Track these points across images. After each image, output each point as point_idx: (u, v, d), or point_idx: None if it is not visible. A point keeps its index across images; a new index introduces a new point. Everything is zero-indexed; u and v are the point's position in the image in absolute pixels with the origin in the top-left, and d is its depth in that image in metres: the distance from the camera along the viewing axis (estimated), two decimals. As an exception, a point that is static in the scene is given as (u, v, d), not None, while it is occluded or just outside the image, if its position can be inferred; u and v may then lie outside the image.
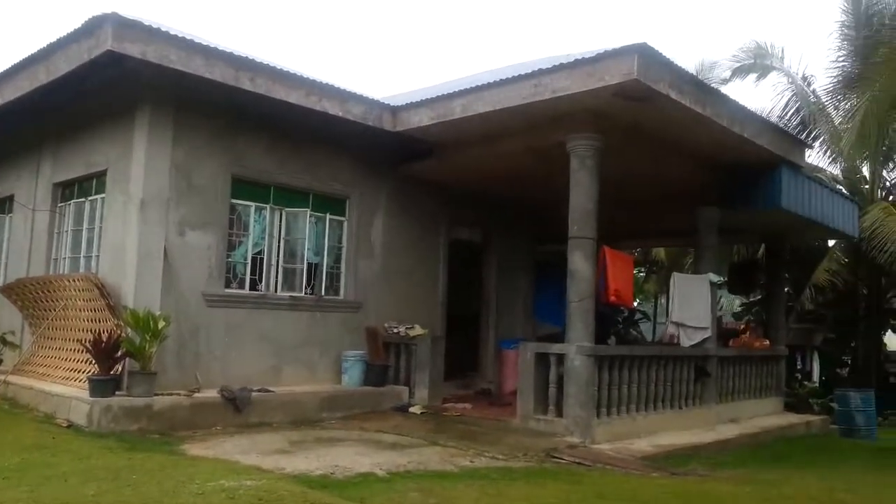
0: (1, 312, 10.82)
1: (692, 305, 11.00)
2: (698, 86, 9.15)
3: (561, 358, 8.81)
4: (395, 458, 7.07)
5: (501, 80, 8.91)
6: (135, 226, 8.56)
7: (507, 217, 13.37)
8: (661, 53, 8.11)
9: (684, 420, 10.23)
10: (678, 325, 11.00)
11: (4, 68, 9.85)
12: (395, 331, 10.86)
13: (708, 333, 10.99)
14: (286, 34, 59.42)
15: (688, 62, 19.27)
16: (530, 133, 9.46)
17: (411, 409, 9.97)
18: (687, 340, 10.91)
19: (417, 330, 10.82)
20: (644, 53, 7.87)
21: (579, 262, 8.90)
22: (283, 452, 7.08)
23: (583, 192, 9.00)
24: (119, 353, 7.99)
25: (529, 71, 8.63)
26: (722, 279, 13.34)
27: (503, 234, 13.43)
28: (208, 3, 59.21)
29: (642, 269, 25.04)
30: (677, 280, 11.49)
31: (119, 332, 8.12)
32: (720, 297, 18.60)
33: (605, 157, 9.05)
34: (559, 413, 8.76)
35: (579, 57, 8.24)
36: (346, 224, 10.74)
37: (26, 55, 9.20)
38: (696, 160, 10.62)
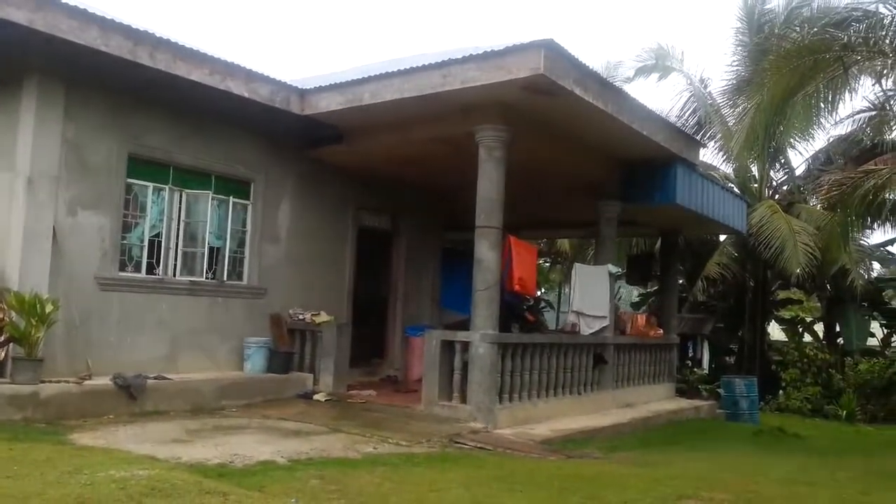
0: None
1: (592, 295, 11.41)
2: (602, 83, 9.45)
3: (466, 345, 8.94)
4: (296, 445, 7.01)
5: (412, 67, 8.91)
6: (21, 204, 8.06)
7: (415, 204, 13.41)
8: (566, 50, 8.32)
9: (583, 405, 10.62)
10: (579, 313, 11.39)
11: None
12: (301, 317, 10.72)
13: (606, 322, 11.42)
14: (198, 18, 57.08)
15: (594, 60, 19.88)
16: (440, 122, 9.51)
17: (315, 397, 9.89)
18: (587, 329, 11.31)
19: (323, 317, 10.72)
20: (550, 49, 8.05)
21: (485, 251, 9.05)
22: (179, 441, 6.88)
23: (490, 182, 9.14)
24: (2, 338, 7.54)
25: (439, 60, 8.67)
26: (620, 270, 13.89)
27: (411, 222, 13.46)
28: (107, -29, 56.13)
29: (547, 259, 25.70)
30: (578, 270, 11.89)
31: (2, 315, 7.64)
32: (619, 288, 19.37)
33: (512, 148, 9.21)
34: (463, 399, 8.90)
35: (489, 49, 8.34)
36: (250, 208, 10.48)
37: None
38: (599, 155, 10.99)
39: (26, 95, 8.18)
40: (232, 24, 57.52)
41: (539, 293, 22.06)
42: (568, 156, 10.66)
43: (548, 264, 26.43)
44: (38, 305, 7.55)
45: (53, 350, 8.08)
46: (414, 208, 13.42)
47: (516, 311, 11.03)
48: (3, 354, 7.67)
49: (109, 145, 8.77)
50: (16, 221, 8.09)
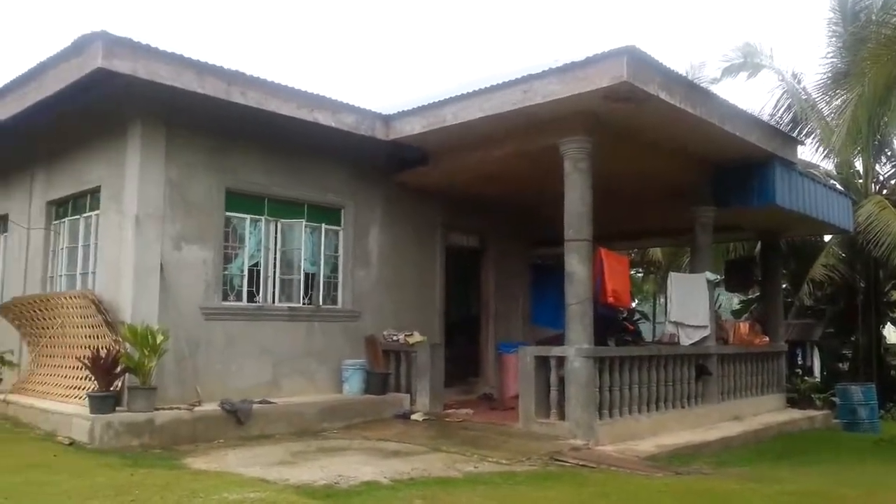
0: (-1, 332, 10.77)
1: (690, 304, 11.02)
2: (688, 86, 9.20)
3: (561, 361, 8.81)
4: (398, 465, 7.06)
5: (491, 86, 8.95)
6: (131, 242, 8.55)
7: (502, 221, 13.40)
8: (649, 55, 8.15)
9: (687, 419, 10.23)
10: (677, 324, 11.02)
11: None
12: (395, 338, 10.86)
13: (707, 332, 10.99)
14: (280, 48, 59.58)
15: (677, 63, 19.38)
16: (522, 138, 9.49)
17: (413, 417, 9.96)
18: (686, 339, 10.92)
19: (416, 337, 10.82)
20: (633, 56, 7.91)
21: (576, 265, 8.91)
22: (286, 464, 7.06)
23: (576, 194, 9.03)
24: (118, 369, 7.98)
25: (519, 76, 8.67)
26: (719, 277, 13.36)
27: (499, 239, 13.45)
28: (201, 20, 59.35)
29: (639, 270, 25.08)
30: (674, 279, 11.51)
31: (117, 347, 8.11)
32: (718, 295, 18.64)
33: (597, 158, 9.07)
34: (561, 416, 8.75)
35: (568, 61, 8.27)
36: (341, 233, 10.75)
37: (16, 75, 9.21)
38: (689, 159, 10.66)
39: (131, 141, 8.71)
40: (310, 54, 59.62)
41: (633, 305, 21.51)
42: (656, 162, 10.40)
43: (640, 275, 25.78)
44: (149, 336, 7.97)
45: (164, 378, 8.49)
46: (501, 225, 13.40)
47: (612, 324, 10.79)
48: (119, 384, 8.11)
49: (208, 182, 9.21)
50: (126, 258, 8.59)
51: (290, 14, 61.44)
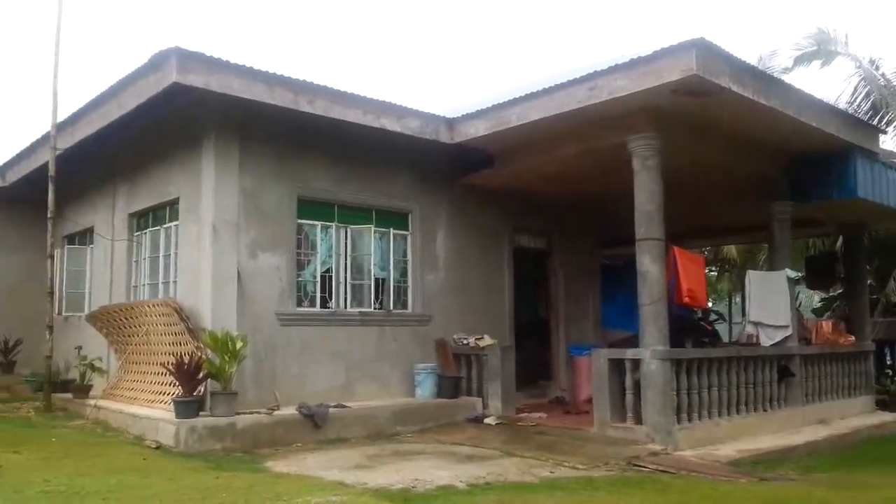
0: (88, 340, 11.28)
1: (770, 303, 10.64)
2: (760, 77, 8.90)
3: (636, 363, 8.63)
4: (473, 470, 7.04)
5: (555, 85, 8.86)
6: (209, 251, 8.83)
7: (570, 221, 13.25)
8: (719, 47, 7.93)
9: (769, 423, 9.86)
10: (757, 324, 10.66)
11: (77, 108, 10.36)
12: (465, 342, 10.86)
13: (789, 332, 10.58)
14: (339, 55, 60.54)
15: (745, 53, 18.73)
16: (588, 136, 9.36)
17: (486, 420, 9.93)
18: (767, 340, 10.55)
19: (487, 340, 10.80)
20: (702, 48, 7.70)
21: (648, 264, 8.72)
22: (362, 467, 7.14)
23: (646, 192, 8.84)
24: (201, 375, 8.23)
25: (584, 74, 8.55)
26: (799, 274, 12.85)
27: (567, 240, 13.31)
28: (261, 30, 60.88)
29: (713, 268, 24.37)
30: (753, 278, 11.13)
31: (200, 353, 8.37)
32: (798, 293, 17.93)
33: (666, 155, 8.87)
34: (638, 420, 8.58)
35: (635, 56, 8.12)
36: (409, 238, 10.84)
37: (97, 93, 9.65)
38: (764, 152, 10.31)
39: (206, 152, 9.00)
40: (369, 60, 60.44)
41: (709, 304, 20.92)
42: (729, 157, 10.08)
43: (714, 273, 25.06)
44: (229, 343, 8.20)
45: (243, 383, 8.72)
46: (568, 225, 13.26)
47: (688, 325, 10.51)
48: (202, 389, 8.37)
49: (280, 191, 9.42)
50: (205, 267, 8.87)
51: (348, 20, 62.48)
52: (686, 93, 8.06)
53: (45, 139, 11.28)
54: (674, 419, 8.47)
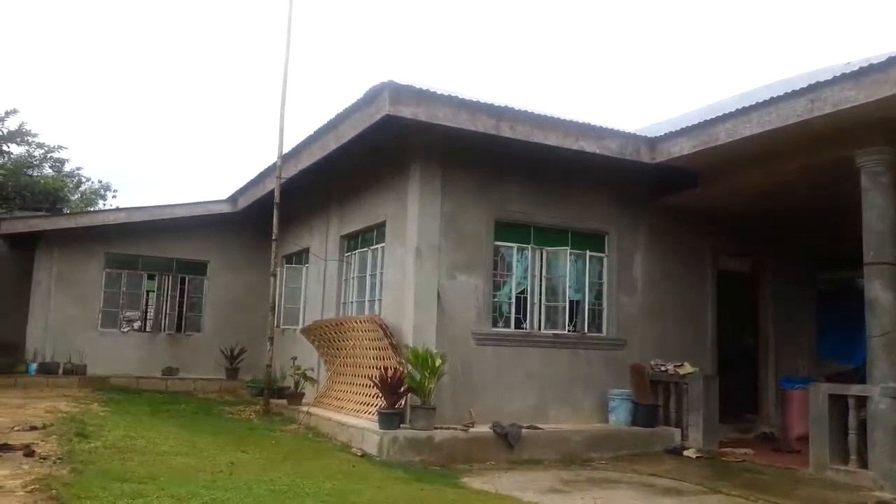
0: (301, 351, 12.31)
1: None
2: None
3: (862, 400, 7.81)
4: (675, 504, 6.73)
5: (770, 98, 8.29)
6: (411, 271, 9.29)
7: (780, 244, 12.31)
8: (972, 48, 6.99)
9: None
10: None
11: (299, 141, 11.42)
12: (663, 369, 10.43)
13: None
14: (533, 75, 61.23)
15: None
16: (807, 152, 8.64)
17: (685, 453, 9.45)
18: None
19: (687, 368, 10.28)
20: (950, 50, 6.84)
21: (879, 291, 7.87)
22: (557, 492, 7.09)
23: (877, 212, 8.00)
24: (402, 389, 8.64)
25: (803, 86, 7.94)
26: None
27: (777, 263, 12.37)
28: (456, 50, 63.20)
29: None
30: None
31: (402, 369, 8.81)
32: None
33: (901, 170, 7.97)
34: (862, 464, 7.76)
35: (865, 64, 7.39)
36: (605, 260, 10.65)
37: (317, 127, 10.57)
38: None
39: (412, 179, 9.50)
40: (558, 82, 60.35)
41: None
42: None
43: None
44: (429, 359, 8.56)
45: (441, 399, 9.01)
46: (779, 248, 12.33)
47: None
48: (403, 403, 8.79)
49: (478, 214, 9.70)
50: (408, 286, 9.34)
51: (532, 41, 63.03)
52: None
53: (271, 169, 12.57)
54: (908, 466, 7.52)
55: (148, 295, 16.20)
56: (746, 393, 12.03)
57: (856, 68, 7.44)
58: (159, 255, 16.02)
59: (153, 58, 57.11)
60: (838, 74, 7.55)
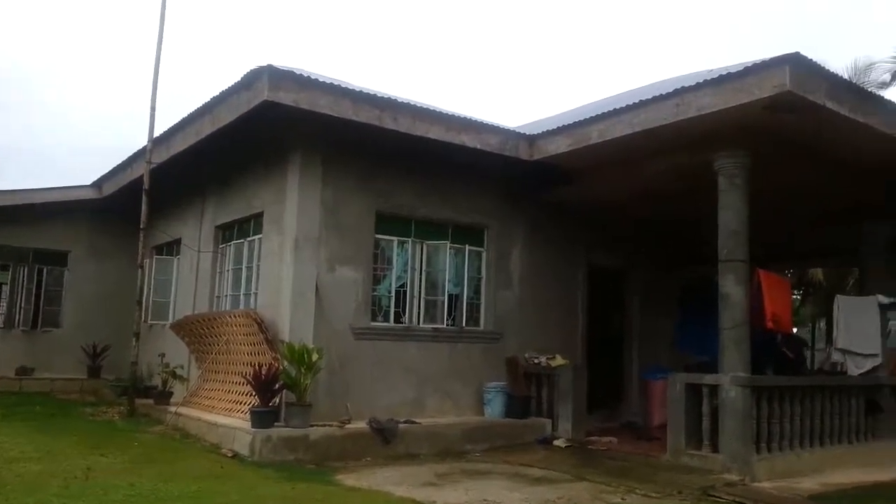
0: (170, 348, 11.72)
1: (859, 330, 10.16)
2: (857, 93, 8.51)
3: (714, 389, 8.35)
4: (543, 492, 6.93)
5: (640, 101, 8.69)
6: (290, 264, 9.04)
7: (648, 241, 12.98)
8: (815, 62, 7.61)
9: (855, 457, 9.33)
10: (844, 351, 10.20)
11: (172, 124, 10.84)
12: (536, 361, 10.73)
13: (878, 360, 10.08)
14: (417, 70, 61.48)
15: (837, 65, 17.76)
16: (673, 154, 9.14)
17: (555, 443, 9.78)
18: (855, 368, 10.06)
19: (559, 360, 10.64)
20: (797, 63, 7.42)
21: (731, 287, 8.44)
22: (431, 485, 7.12)
23: (732, 212, 8.58)
24: (277, 386, 8.40)
25: (670, 90, 8.37)
26: (893, 300, 12.18)
27: (644, 259, 13.03)
28: (340, 44, 62.41)
29: (797, 292, 23.38)
30: (841, 303, 10.63)
31: (277, 365, 8.56)
32: (889, 321, 16.99)
33: (754, 174, 8.59)
34: (714, 448, 8.30)
35: (724, 72, 7.90)
36: (484, 254, 10.82)
37: (192, 110, 10.07)
38: (860, 172, 9.80)
39: (291, 168, 9.25)
40: (446, 76, 61.10)
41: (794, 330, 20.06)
42: (820, 177, 9.65)
43: (798, 297, 24.03)
44: (305, 354, 8.36)
45: (318, 395, 8.84)
46: (647, 245, 12.99)
47: (769, 351, 10.10)
48: (277, 400, 8.55)
49: (360, 206, 9.58)
50: (285, 279, 9.10)
51: (425, 34, 63.53)
52: (778, 109, 7.77)
53: (140, 153, 11.84)
54: (753, 449, 8.14)
55: (0, 287, 14.92)
56: (613, 384, 12.61)
57: (716, 76, 7.93)
58: (13, 245, 14.76)
59: (20, 28, 52.53)
60: (701, 81, 8.02)
